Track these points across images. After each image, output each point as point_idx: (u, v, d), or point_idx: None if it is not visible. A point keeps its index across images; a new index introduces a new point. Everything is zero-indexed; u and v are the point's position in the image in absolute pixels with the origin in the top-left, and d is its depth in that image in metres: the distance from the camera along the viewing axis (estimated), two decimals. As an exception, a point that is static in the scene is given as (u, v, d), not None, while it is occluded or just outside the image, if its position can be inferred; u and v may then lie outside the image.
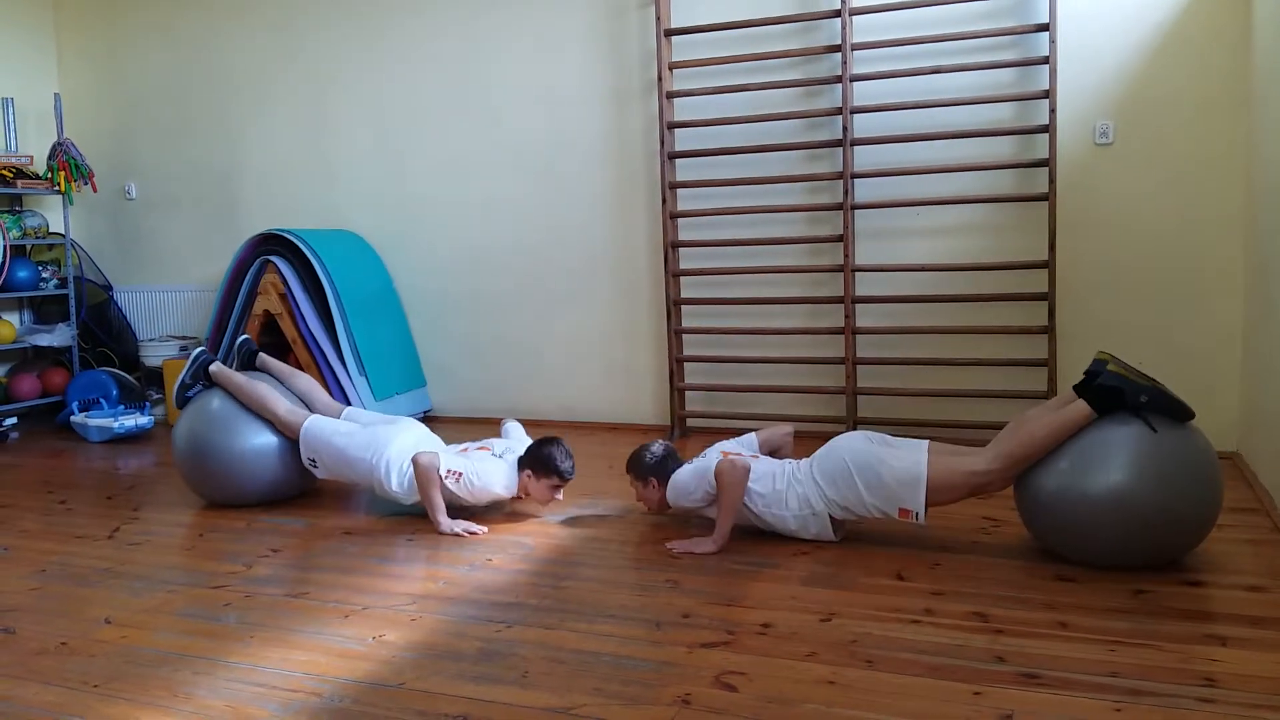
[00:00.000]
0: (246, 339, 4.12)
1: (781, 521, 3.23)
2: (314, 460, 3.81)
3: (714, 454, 3.39)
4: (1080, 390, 2.93)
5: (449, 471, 3.51)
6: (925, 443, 3.13)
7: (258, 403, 3.84)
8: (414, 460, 3.53)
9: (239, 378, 3.92)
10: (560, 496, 3.61)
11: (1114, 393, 2.84)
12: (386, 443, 3.68)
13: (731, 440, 3.55)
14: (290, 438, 3.85)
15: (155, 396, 5.93)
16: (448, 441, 3.83)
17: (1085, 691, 2.17)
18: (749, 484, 3.22)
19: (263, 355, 4.11)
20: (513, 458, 3.64)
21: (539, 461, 3.56)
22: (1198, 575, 2.84)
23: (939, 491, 3.02)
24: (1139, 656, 2.34)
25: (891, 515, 3.09)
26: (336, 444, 3.74)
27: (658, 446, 3.50)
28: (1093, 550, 2.88)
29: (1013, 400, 4.51)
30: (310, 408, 3.96)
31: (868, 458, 3.10)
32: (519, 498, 3.66)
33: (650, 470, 3.45)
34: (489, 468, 3.56)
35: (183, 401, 4.01)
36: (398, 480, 3.63)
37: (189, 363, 4.01)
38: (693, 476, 3.29)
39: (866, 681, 2.26)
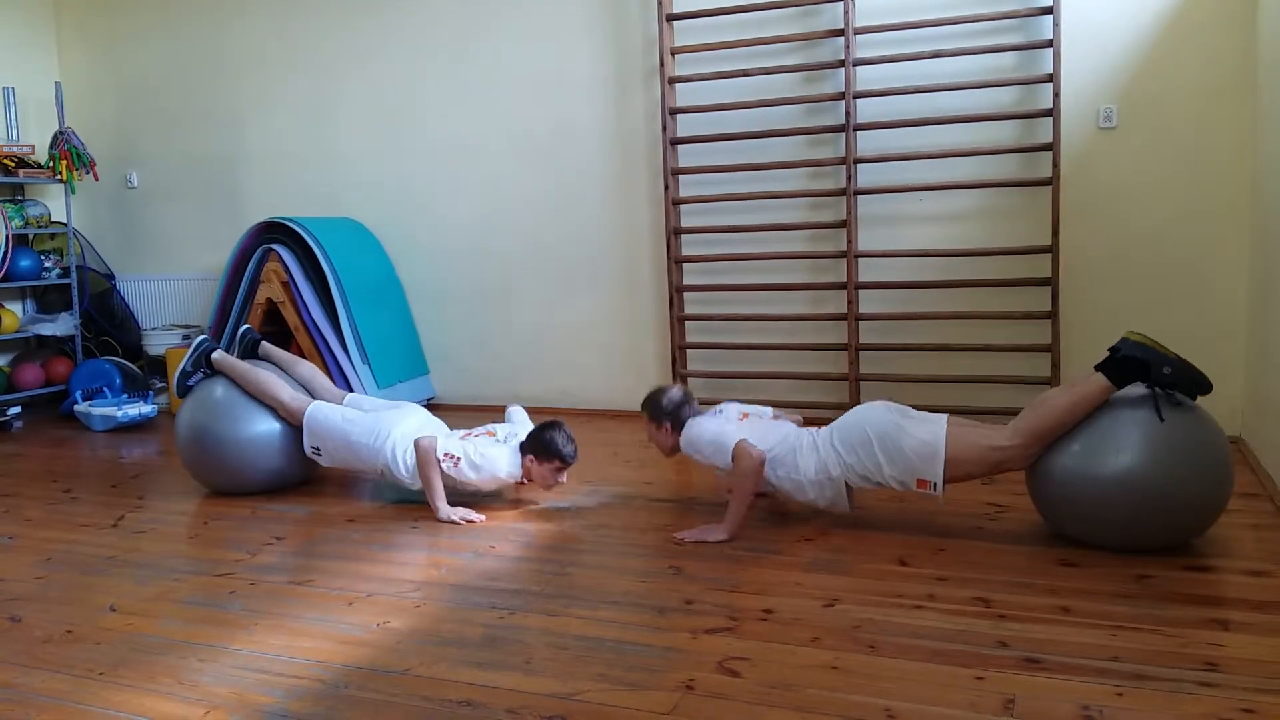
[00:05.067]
0: (248, 329, 4.11)
1: (797, 487, 3.20)
2: (318, 449, 3.80)
3: (731, 413, 3.41)
4: (1101, 364, 2.90)
5: (446, 455, 3.51)
6: (944, 416, 3.10)
7: (262, 390, 3.85)
8: (415, 444, 3.54)
9: (242, 365, 3.92)
10: (564, 479, 3.61)
11: (1135, 364, 2.81)
12: (391, 427, 3.69)
13: (751, 407, 3.51)
14: (294, 424, 3.85)
15: (158, 385, 5.94)
16: (452, 428, 3.83)
17: (1087, 676, 2.18)
18: (771, 453, 3.22)
19: (265, 344, 4.11)
20: (515, 442, 3.64)
21: (541, 445, 3.56)
22: (1200, 560, 2.84)
23: (958, 464, 2.99)
24: (1141, 641, 2.34)
25: (910, 487, 3.05)
26: (341, 430, 3.73)
27: (675, 392, 3.47)
28: (1104, 533, 2.88)
29: (1016, 385, 4.50)
30: (312, 394, 3.96)
31: (888, 427, 3.07)
32: (522, 483, 3.67)
33: (666, 415, 3.43)
34: (492, 452, 3.56)
35: (184, 390, 3.99)
36: (403, 464, 3.63)
37: (191, 350, 3.99)
38: (710, 439, 3.25)
39: (869, 666, 2.27)
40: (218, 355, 3.97)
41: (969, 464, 2.99)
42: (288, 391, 3.85)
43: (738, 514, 3.18)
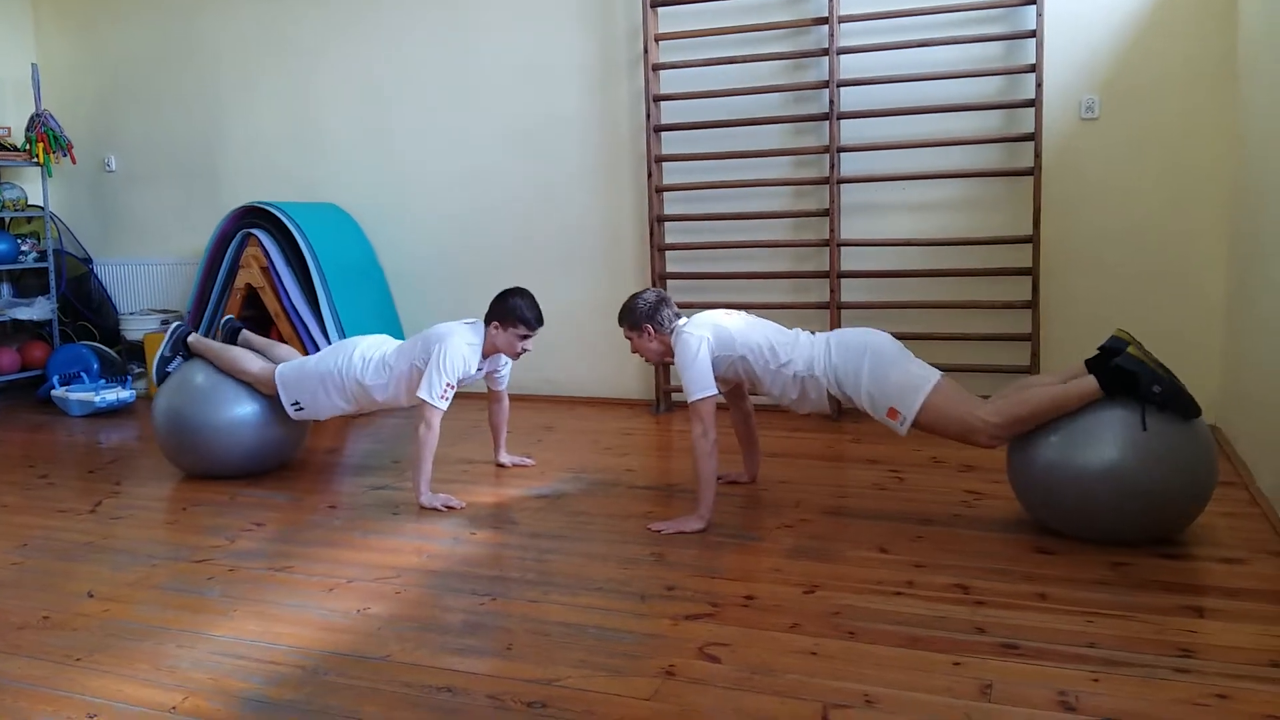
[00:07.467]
0: (230, 318, 4.15)
1: (785, 382, 3.19)
2: (298, 403, 3.81)
3: (712, 317, 3.31)
4: (1093, 367, 2.89)
5: (444, 394, 3.48)
6: (939, 374, 3.07)
7: (233, 365, 3.87)
8: (423, 429, 3.46)
9: (216, 345, 3.97)
10: (530, 347, 3.61)
11: (1128, 376, 2.78)
12: (351, 347, 3.79)
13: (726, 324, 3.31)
14: (270, 393, 3.86)
15: (136, 370, 5.89)
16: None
17: (1064, 662, 2.19)
18: (760, 342, 3.22)
19: (245, 332, 4.11)
20: (453, 330, 3.60)
21: (505, 312, 3.57)
22: (1175, 548, 2.87)
23: (932, 412, 2.99)
24: (1117, 627, 2.36)
25: (879, 414, 3.07)
26: (310, 370, 3.77)
27: (650, 294, 3.40)
28: (1085, 525, 2.89)
29: (996, 374, 4.53)
30: None
31: (886, 351, 3.10)
32: (481, 368, 3.69)
33: (645, 317, 3.36)
34: (450, 354, 3.50)
35: (162, 376, 4.02)
36: (373, 377, 3.68)
37: (167, 336, 4.04)
38: (690, 368, 3.17)
39: (848, 652, 2.28)
40: (193, 338, 4.02)
41: (942, 419, 3.00)
42: (257, 363, 3.88)
43: (706, 499, 3.17)
